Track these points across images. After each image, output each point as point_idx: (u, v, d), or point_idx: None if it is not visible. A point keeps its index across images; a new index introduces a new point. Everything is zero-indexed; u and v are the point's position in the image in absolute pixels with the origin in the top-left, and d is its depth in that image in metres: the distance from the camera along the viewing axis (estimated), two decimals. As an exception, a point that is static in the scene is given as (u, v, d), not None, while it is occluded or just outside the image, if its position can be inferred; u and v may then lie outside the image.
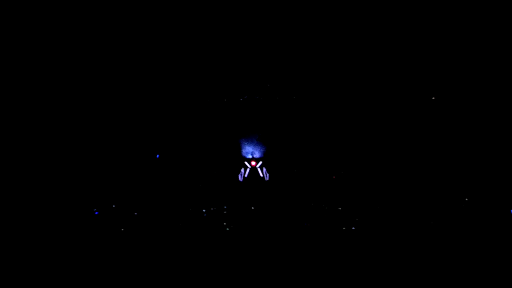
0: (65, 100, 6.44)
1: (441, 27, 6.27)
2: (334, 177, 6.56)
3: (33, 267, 5.42)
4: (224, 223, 6.30)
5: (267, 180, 6.66)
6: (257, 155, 6.69)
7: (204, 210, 6.44)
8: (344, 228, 6.14)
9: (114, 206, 6.40)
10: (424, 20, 6.24)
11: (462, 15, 6.19)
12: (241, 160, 6.69)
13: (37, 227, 6.07)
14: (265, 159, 6.69)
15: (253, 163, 6.67)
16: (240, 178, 6.67)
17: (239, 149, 6.70)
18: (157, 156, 6.61)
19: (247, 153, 6.69)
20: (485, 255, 5.47)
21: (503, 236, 5.75)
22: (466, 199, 6.20)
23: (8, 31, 6.14)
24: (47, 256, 5.63)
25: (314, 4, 6.19)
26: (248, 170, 6.67)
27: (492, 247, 5.59)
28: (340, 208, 6.36)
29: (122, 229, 6.16)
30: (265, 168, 6.68)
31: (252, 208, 6.51)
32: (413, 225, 6.10)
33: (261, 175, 6.66)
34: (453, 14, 6.20)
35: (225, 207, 6.50)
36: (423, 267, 5.36)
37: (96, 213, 6.31)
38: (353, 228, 6.08)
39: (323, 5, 6.19)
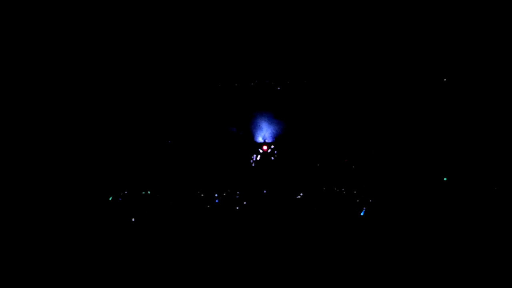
0: (66, 95, 6.46)
1: (443, 25, 6.30)
2: (346, 160, 6.57)
3: (33, 265, 5.45)
4: (237, 207, 6.33)
5: (278, 164, 6.68)
6: (268, 139, 6.70)
7: (216, 195, 6.46)
8: (357, 212, 6.18)
9: (126, 192, 6.42)
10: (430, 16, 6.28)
11: (463, 13, 6.23)
12: (253, 145, 6.70)
13: (38, 222, 6.09)
14: (277, 144, 6.70)
15: (265, 147, 6.68)
16: (251, 162, 6.68)
17: (250, 134, 6.70)
18: (169, 141, 6.62)
19: (258, 138, 6.70)
20: (486, 254, 5.50)
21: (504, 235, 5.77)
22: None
23: (8, 31, 6.15)
24: (47, 253, 5.66)
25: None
26: (259, 154, 6.68)
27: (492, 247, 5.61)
28: (353, 192, 6.38)
29: (133, 219, 6.19)
30: (277, 152, 6.69)
31: (264, 192, 6.53)
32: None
33: (272, 159, 6.67)
34: (454, 12, 6.24)
35: (237, 191, 6.51)
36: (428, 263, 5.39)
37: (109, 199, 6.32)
38: (364, 210, 6.11)
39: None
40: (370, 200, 6.17)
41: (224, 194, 6.48)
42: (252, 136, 6.70)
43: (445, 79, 6.44)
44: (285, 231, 6.04)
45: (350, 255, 5.57)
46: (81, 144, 6.44)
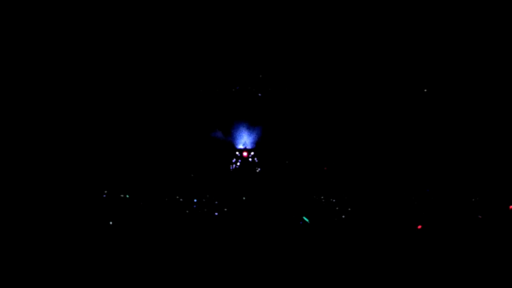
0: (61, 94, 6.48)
1: (437, 26, 6.36)
2: (325, 168, 6.57)
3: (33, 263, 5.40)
4: (215, 213, 6.30)
5: (259, 171, 6.67)
6: (249, 146, 6.70)
7: (195, 200, 6.43)
8: (335, 219, 6.16)
9: (105, 194, 6.39)
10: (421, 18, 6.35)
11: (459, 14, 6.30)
12: (233, 151, 6.70)
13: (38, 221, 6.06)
14: (257, 150, 6.70)
15: (245, 153, 6.68)
16: (231, 168, 6.68)
17: (231, 140, 6.71)
18: (150, 146, 6.62)
19: (239, 144, 6.70)
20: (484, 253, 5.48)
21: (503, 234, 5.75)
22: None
23: (8, 31, 6.19)
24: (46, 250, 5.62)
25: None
26: (239, 160, 6.68)
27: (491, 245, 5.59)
28: (332, 200, 6.37)
29: (111, 223, 6.16)
30: (257, 158, 6.68)
31: (244, 198, 6.51)
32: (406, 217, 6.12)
33: (253, 165, 6.67)
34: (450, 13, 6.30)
35: (216, 197, 6.49)
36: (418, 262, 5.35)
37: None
38: (343, 216, 6.10)
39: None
40: (349, 209, 6.15)
41: (204, 200, 6.46)
42: (232, 142, 6.70)
43: (425, 90, 6.48)
44: (264, 237, 6.00)
45: (328, 262, 5.53)
46: (62, 146, 6.44)
